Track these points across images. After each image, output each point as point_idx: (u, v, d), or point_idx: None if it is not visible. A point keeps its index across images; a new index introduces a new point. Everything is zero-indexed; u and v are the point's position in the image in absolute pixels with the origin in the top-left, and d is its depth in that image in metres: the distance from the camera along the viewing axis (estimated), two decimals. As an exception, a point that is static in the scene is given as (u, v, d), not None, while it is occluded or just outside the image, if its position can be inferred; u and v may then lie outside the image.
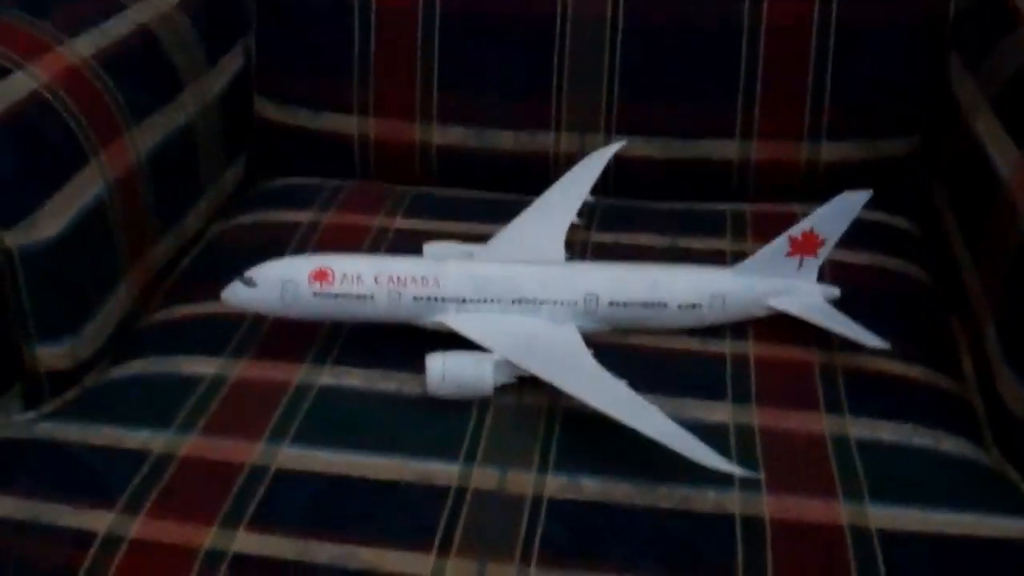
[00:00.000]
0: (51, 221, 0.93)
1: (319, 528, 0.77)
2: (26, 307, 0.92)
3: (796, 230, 0.94)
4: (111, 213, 1.01)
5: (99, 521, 0.78)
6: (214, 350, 0.94)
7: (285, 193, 1.22)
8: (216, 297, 0.92)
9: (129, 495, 0.80)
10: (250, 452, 0.83)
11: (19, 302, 0.92)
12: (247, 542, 0.76)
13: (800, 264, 0.95)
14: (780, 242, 0.94)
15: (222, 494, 0.80)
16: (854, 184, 0.94)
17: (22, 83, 0.96)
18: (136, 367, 0.95)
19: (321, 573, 0.75)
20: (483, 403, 0.88)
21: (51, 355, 0.95)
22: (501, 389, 0.88)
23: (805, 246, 0.94)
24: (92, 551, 0.76)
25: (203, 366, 0.92)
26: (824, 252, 0.95)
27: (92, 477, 0.82)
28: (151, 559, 0.76)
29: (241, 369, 0.92)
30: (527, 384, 0.89)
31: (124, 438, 0.85)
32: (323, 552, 0.76)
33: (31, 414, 0.94)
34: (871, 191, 0.93)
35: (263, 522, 0.78)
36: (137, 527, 0.78)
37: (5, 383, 0.95)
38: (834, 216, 0.93)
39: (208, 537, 0.77)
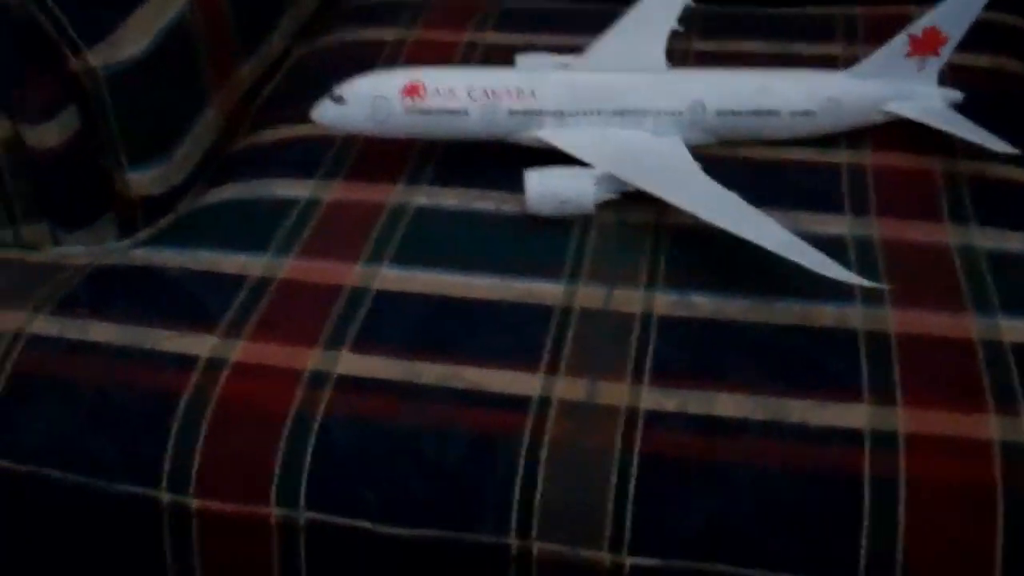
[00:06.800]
0: (134, 40, 0.91)
1: (424, 348, 0.76)
2: (115, 131, 0.91)
3: (916, 27, 0.89)
4: (194, 32, 0.98)
5: (201, 345, 0.77)
6: (306, 172, 0.92)
7: (369, 10, 1.18)
8: (305, 119, 0.90)
9: (230, 319, 0.79)
10: (349, 274, 0.82)
11: (108, 126, 0.90)
12: (352, 363, 0.75)
13: (920, 65, 0.90)
14: (899, 41, 0.89)
15: (323, 316, 0.78)
16: (977, -18, 0.88)
17: None
18: (229, 192, 0.93)
19: (428, 393, 0.73)
20: (585, 221, 0.85)
21: (143, 180, 0.94)
22: (603, 206, 0.86)
23: (926, 44, 0.89)
24: (195, 374, 0.75)
25: (296, 189, 0.91)
26: (947, 51, 0.90)
27: (191, 302, 0.81)
28: (256, 381, 0.75)
29: (334, 191, 0.90)
30: (630, 200, 0.86)
31: (221, 262, 0.84)
32: (429, 372, 0.74)
33: (126, 241, 0.93)
34: (1000, -19, 0.87)
35: (367, 343, 0.76)
36: (240, 350, 0.77)
37: (98, 210, 0.94)
38: (958, 10, 0.88)
39: (312, 359, 0.76)
